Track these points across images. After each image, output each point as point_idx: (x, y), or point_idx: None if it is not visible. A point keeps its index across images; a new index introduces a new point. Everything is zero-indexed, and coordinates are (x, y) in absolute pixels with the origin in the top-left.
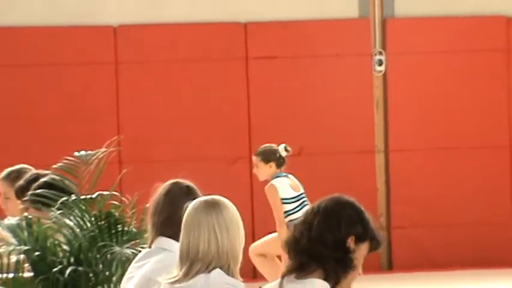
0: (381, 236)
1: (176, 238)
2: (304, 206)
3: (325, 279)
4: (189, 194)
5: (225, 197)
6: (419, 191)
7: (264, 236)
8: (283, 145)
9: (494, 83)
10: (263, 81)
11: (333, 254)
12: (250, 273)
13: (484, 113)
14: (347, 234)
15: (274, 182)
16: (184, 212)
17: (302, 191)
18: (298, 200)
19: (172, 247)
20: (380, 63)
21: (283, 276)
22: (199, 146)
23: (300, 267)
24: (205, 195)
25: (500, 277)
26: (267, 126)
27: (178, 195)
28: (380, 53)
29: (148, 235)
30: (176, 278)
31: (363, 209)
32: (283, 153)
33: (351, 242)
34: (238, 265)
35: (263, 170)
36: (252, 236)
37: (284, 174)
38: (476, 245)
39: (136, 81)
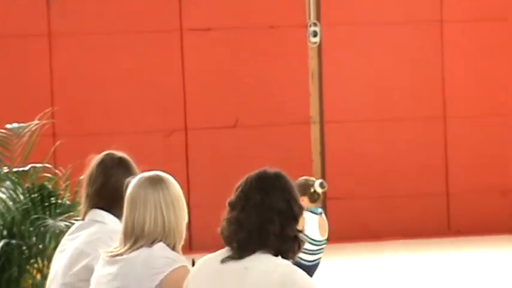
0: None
1: (109, 209)
2: (320, 253)
3: (276, 254)
4: (122, 165)
5: (161, 169)
6: (355, 162)
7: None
8: (319, 181)
9: (428, 54)
10: (198, 53)
11: (279, 235)
12: (187, 245)
13: (418, 84)
14: (298, 214)
15: (306, 215)
16: (126, 188)
17: (326, 236)
18: (318, 245)
19: (105, 219)
20: (315, 34)
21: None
22: (134, 118)
23: (244, 247)
24: (142, 168)
25: (433, 246)
26: (202, 98)
27: (111, 166)
28: (315, 24)
29: (81, 207)
30: (118, 252)
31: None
32: (318, 190)
33: (300, 223)
34: (182, 242)
35: None
36: (188, 209)
37: (319, 210)
38: (411, 215)
39: (70, 54)
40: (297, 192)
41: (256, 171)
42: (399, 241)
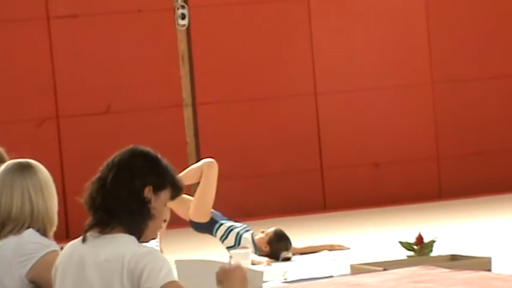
0: (180, 181)
1: None
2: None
3: (130, 233)
4: None
5: (34, 159)
6: (228, 142)
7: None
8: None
9: (296, 32)
10: (66, 41)
11: (128, 208)
12: (64, 232)
13: (288, 62)
14: (142, 185)
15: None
16: None
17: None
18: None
19: None
20: (183, 17)
21: (85, 231)
22: (3, 109)
23: (100, 224)
24: (13, 157)
25: (310, 221)
26: (73, 85)
27: None
28: (182, 7)
29: None
30: None
31: (159, 156)
32: (287, 256)
33: (148, 192)
34: (54, 228)
35: None
36: (63, 197)
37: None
38: (285, 193)
39: None
40: (159, 166)
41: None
42: (275, 219)
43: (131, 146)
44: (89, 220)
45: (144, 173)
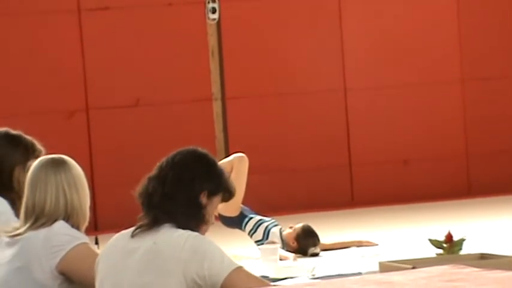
0: (233, 186)
1: (2, 190)
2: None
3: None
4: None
5: (64, 150)
6: (257, 137)
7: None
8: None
9: (326, 27)
10: (97, 33)
11: (185, 211)
12: (92, 225)
13: (318, 57)
14: (200, 190)
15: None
16: (27, 171)
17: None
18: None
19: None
20: (213, 10)
21: (137, 227)
22: (34, 99)
23: (153, 222)
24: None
25: (338, 217)
26: (103, 78)
27: (3, 145)
28: (213, 1)
29: None
30: (17, 232)
31: (216, 161)
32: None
33: (203, 197)
34: (86, 223)
35: None
36: (92, 190)
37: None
38: (314, 188)
39: None
40: (216, 172)
41: (183, 148)
42: (303, 214)
43: (192, 147)
44: (142, 216)
45: (203, 178)
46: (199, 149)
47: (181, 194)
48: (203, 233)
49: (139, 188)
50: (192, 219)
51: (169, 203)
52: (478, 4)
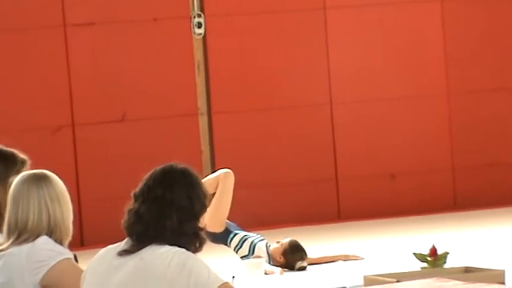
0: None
1: None
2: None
3: None
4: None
5: (49, 167)
6: (243, 152)
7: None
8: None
9: (312, 42)
10: (82, 48)
11: (193, 241)
12: (78, 240)
13: (304, 72)
14: (200, 212)
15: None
16: (9, 187)
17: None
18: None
19: None
20: (199, 25)
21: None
22: (20, 115)
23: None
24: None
25: (325, 231)
26: (89, 93)
27: None
28: (199, 16)
29: None
30: (1, 247)
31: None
32: (303, 265)
33: (202, 220)
34: (69, 238)
35: None
36: (78, 205)
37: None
38: (300, 203)
39: None
40: (203, 190)
41: (164, 165)
42: (291, 228)
43: (172, 164)
44: (136, 235)
45: (196, 197)
46: (179, 165)
47: (179, 216)
48: (196, 253)
49: (126, 220)
50: (190, 239)
51: (178, 236)
52: (463, 19)
